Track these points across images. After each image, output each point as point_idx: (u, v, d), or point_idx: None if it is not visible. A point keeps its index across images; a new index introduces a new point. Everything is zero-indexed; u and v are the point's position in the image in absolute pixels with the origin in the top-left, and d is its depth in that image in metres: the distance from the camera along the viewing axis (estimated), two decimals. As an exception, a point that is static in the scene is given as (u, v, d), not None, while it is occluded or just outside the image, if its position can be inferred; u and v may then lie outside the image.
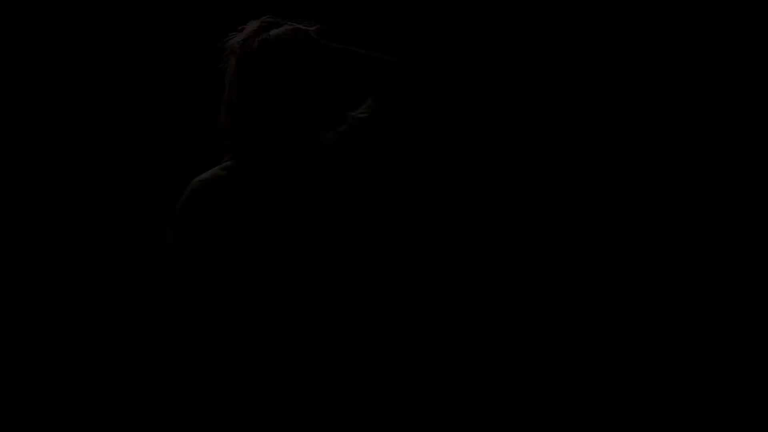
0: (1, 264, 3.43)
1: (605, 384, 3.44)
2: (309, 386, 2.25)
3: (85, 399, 3.44)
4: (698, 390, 3.35)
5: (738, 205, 3.33)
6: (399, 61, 2.48)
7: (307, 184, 2.35)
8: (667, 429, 3.35)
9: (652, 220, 3.41)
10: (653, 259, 3.42)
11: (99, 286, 3.46)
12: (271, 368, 2.25)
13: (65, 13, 3.41)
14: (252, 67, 2.24)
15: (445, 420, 2.22)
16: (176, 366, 2.30)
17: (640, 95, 3.40)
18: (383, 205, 3.57)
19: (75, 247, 3.45)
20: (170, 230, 2.25)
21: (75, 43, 3.43)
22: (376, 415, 2.29)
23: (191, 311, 2.27)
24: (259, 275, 2.28)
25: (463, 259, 3.57)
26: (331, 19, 3.19)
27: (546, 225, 3.51)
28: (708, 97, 3.33)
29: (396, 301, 3.42)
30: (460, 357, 3.54)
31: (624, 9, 3.37)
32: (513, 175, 3.52)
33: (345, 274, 2.37)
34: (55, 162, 3.45)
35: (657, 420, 3.37)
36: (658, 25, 3.36)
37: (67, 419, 3.44)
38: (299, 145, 2.30)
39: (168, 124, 3.42)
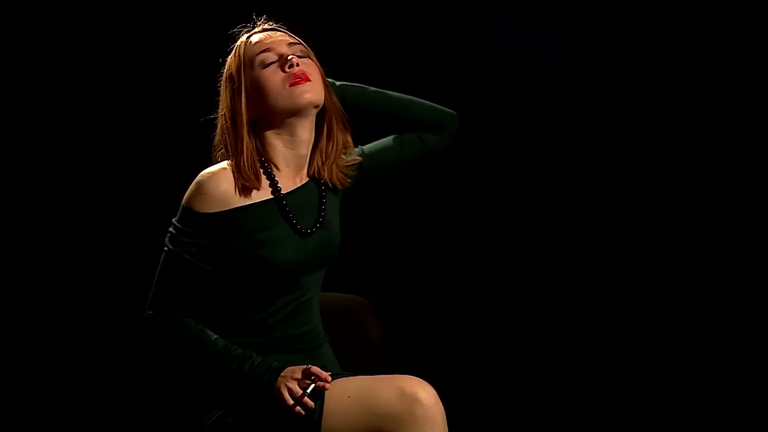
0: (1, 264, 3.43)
1: (605, 384, 3.45)
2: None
3: (85, 399, 3.45)
4: (698, 390, 3.36)
5: (738, 206, 3.34)
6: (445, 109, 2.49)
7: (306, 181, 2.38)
8: (668, 429, 3.36)
9: (652, 222, 3.42)
10: (653, 260, 3.42)
11: (98, 286, 3.46)
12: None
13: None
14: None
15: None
16: (175, 365, 2.30)
17: (641, 97, 3.40)
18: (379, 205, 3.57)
19: (75, 247, 3.45)
20: (177, 223, 2.27)
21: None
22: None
23: (191, 304, 2.27)
24: (259, 270, 2.28)
25: (462, 261, 3.58)
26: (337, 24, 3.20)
27: (544, 225, 3.51)
28: (710, 98, 3.33)
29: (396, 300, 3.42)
30: (459, 357, 3.54)
31: (625, 10, 3.37)
32: (513, 177, 3.52)
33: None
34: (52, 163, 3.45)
35: (657, 420, 3.38)
36: (658, 27, 3.36)
37: (67, 419, 3.44)
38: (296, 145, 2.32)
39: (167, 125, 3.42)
